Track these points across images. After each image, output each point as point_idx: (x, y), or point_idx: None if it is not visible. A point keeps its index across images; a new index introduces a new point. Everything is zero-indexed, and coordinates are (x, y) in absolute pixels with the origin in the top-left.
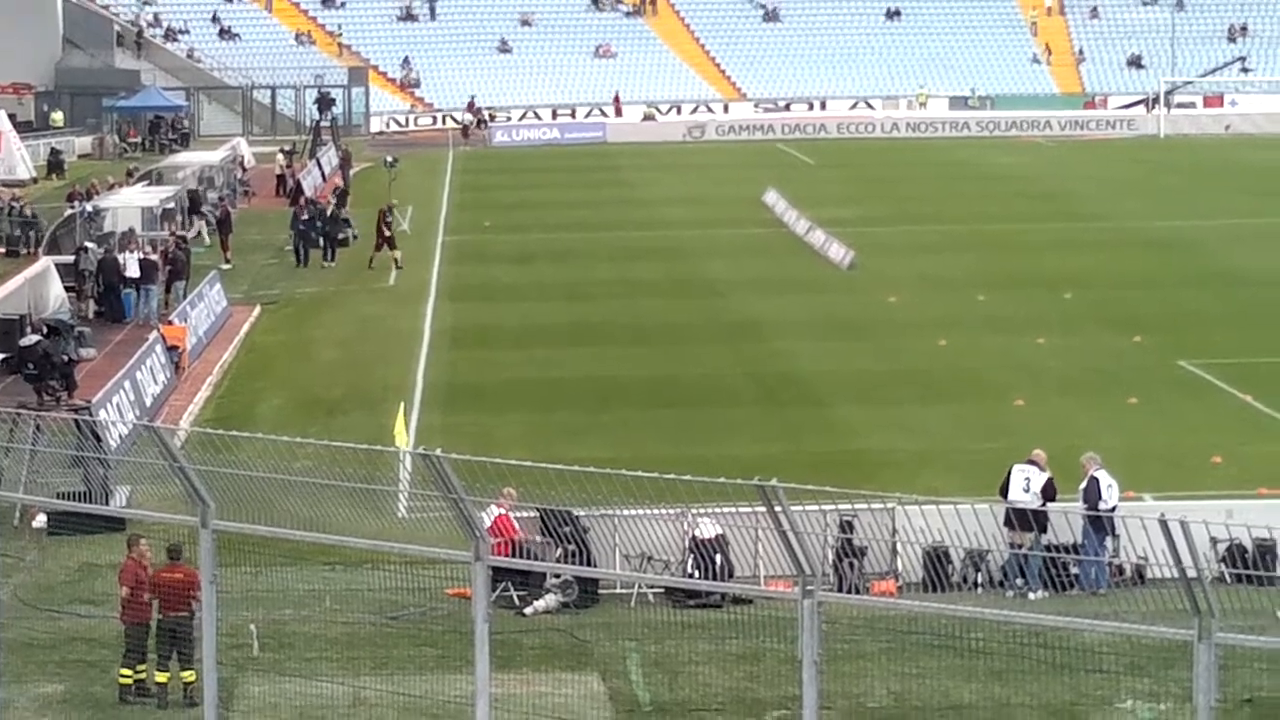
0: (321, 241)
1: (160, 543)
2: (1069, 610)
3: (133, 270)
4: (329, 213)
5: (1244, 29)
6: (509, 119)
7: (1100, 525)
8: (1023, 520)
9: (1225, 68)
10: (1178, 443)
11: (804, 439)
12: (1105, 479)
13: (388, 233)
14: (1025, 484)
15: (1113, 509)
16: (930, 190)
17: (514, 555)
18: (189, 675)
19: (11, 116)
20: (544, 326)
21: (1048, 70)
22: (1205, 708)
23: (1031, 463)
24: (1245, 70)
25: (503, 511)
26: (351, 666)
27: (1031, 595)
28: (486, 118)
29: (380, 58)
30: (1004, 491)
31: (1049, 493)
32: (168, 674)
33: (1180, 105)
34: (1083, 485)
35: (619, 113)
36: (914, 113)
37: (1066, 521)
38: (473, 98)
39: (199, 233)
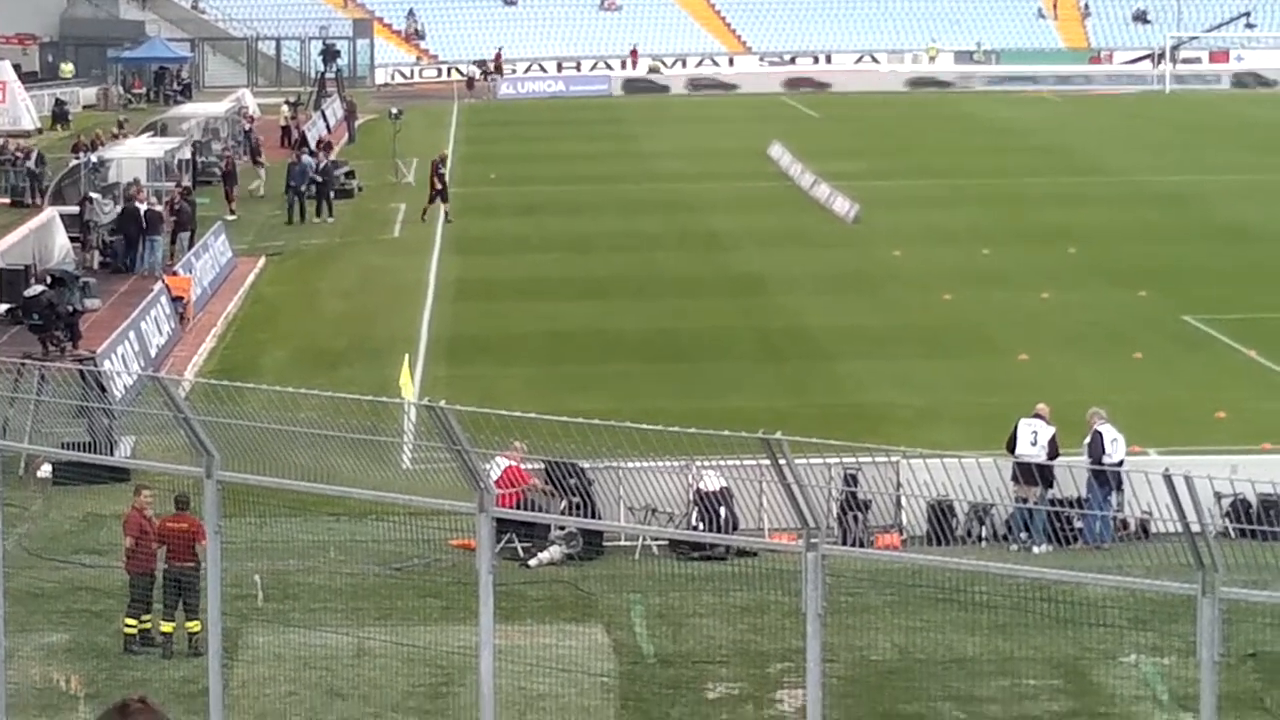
0: (316, 195)
1: (165, 493)
2: (1073, 564)
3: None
4: (321, 165)
5: None
6: (514, 71)
7: (1105, 480)
8: (1029, 474)
9: (1230, 23)
10: (1182, 398)
11: (809, 393)
12: (1110, 433)
13: (439, 185)
14: (1033, 437)
15: (1118, 463)
16: (936, 144)
17: (519, 507)
18: (194, 625)
19: (16, 67)
20: (549, 279)
21: (1053, 25)
22: (1209, 662)
23: (1038, 416)
24: (1250, 26)
25: (513, 463)
26: (356, 617)
27: (1036, 549)
28: (499, 69)
29: (385, 9)
30: (1011, 446)
31: (1054, 447)
32: (173, 624)
33: (1186, 60)
34: (1087, 440)
35: (635, 65)
36: (920, 66)
37: (1071, 476)
38: (499, 49)
39: (258, 186)
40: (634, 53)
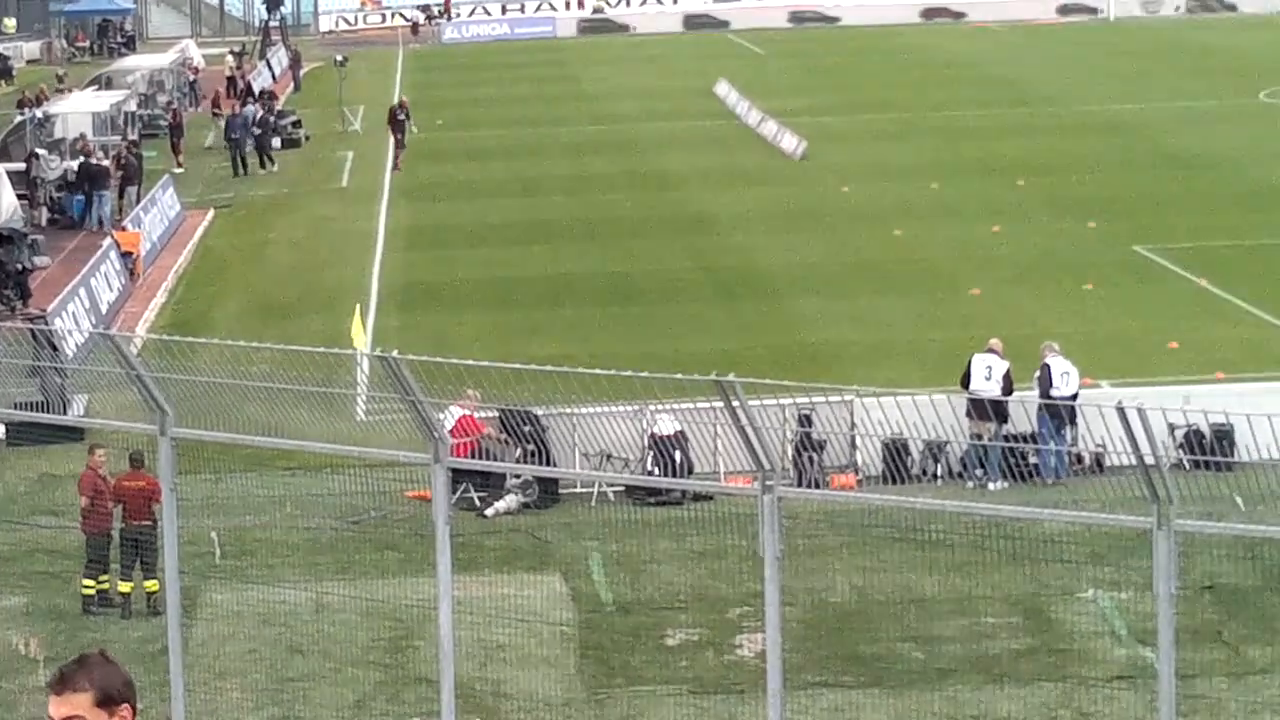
0: (255, 146)
1: (120, 451)
2: (1029, 500)
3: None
4: (258, 116)
5: None
6: (459, 15)
7: (1056, 413)
8: (984, 410)
9: None
10: (1134, 328)
11: (760, 333)
12: (1061, 366)
13: (398, 133)
14: (987, 372)
15: (1071, 396)
16: (881, 78)
17: (475, 456)
18: (152, 585)
19: None
20: (498, 224)
21: None
22: (1165, 595)
23: (991, 351)
24: None
25: (467, 412)
26: (314, 571)
27: (991, 486)
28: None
29: None
30: (965, 382)
31: (1009, 381)
32: (131, 584)
33: None
34: (1036, 373)
35: (581, 5)
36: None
37: (1025, 411)
38: None
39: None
40: None
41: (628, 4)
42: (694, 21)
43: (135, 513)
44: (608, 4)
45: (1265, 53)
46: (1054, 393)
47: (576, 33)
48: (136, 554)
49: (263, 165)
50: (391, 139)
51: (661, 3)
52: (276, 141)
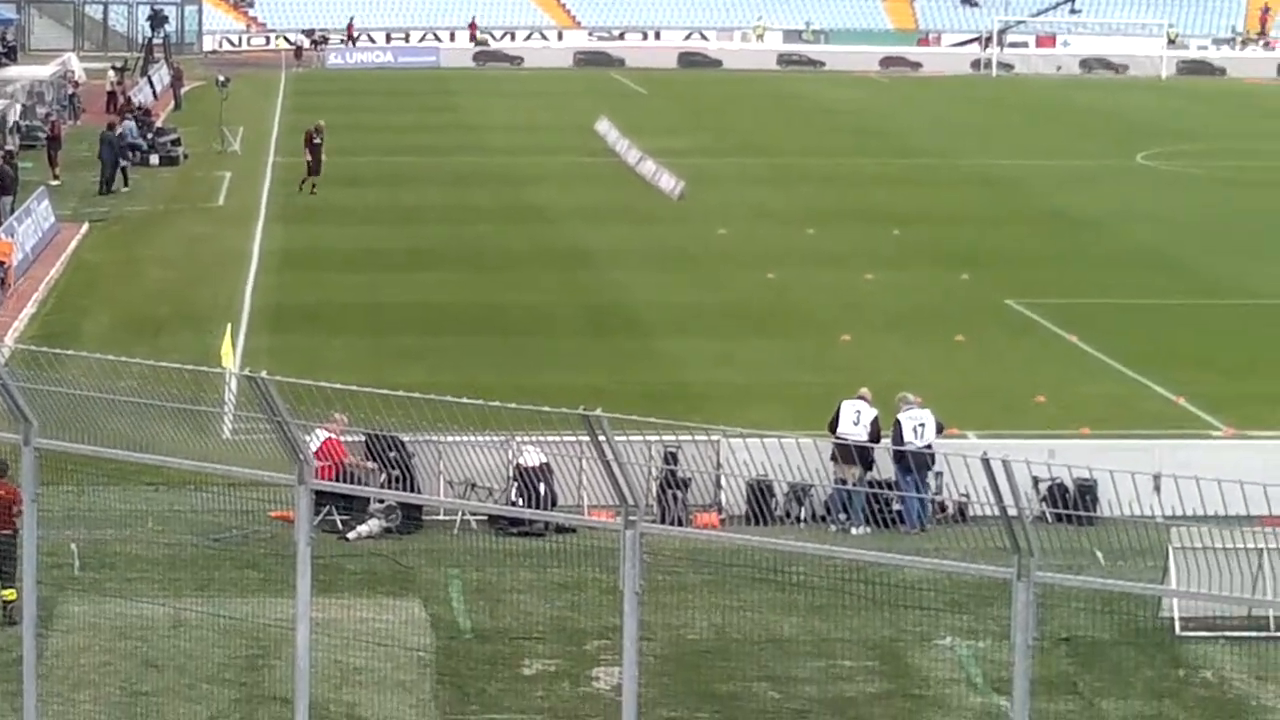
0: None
1: None
2: (891, 546)
3: None
4: (114, 133)
5: None
6: (343, 42)
7: (907, 465)
8: (849, 455)
9: (1054, 8)
10: (1003, 381)
11: (631, 370)
12: (914, 419)
13: (310, 156)
14: (856, 417)
15: (927, 447)
16: (763, 123)
17: (339, 479)
18: (9, 593)
19: None
20: (374, 250)
21: (881, 5)
22: (1023, 645)
23: (861, 398)
24: (1074, 11)
25: (331, 435)
26: (173, 587)
27: (854, 530)
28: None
29: None
30: (833, 426)
31: (876, 428)
32: None
33: (1013, 45)
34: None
35: (474, 39)
36: (749, 45)
37: (890, 458)
38: (351, 19)
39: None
40: (473, 24)
41: (512, 38)
42: (584, 58)
43: None
44: (492, 36)
45: (1146, 115)
46: (907, 447)
47: (471, 62)
48: None
49: (123, 184)
50: (305, 161)
51: (546, 38)
52: (154, 158)
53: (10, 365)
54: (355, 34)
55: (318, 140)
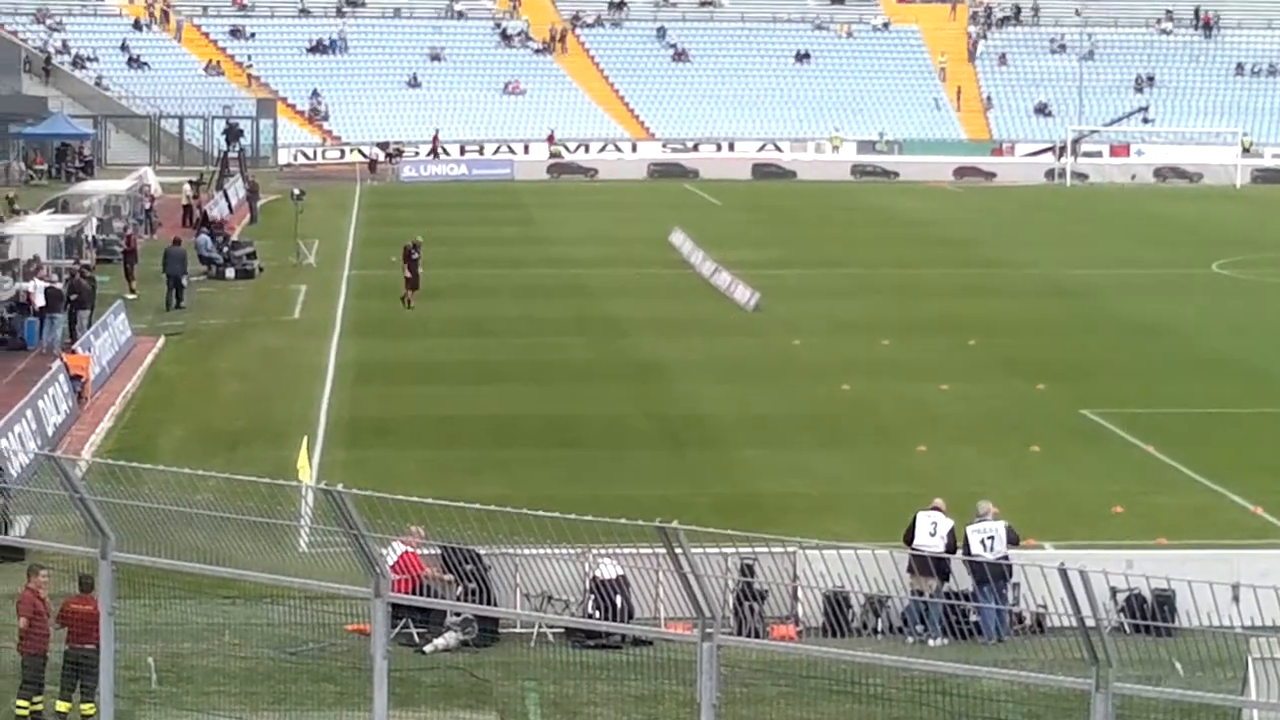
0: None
1: (60, 573)
2: (968, 658)
3: (39, 299)
4: (179, 248)
5: (1150, 79)
6: (417, 154)
7: (983, 576)
8: (926, 566)
9: (1128, 117)
10: (1079, 491)
11: (706, 481)
12: (981, 533)
13: (409, 273)
14: (932, 528)
15: (1003, 557)
16: (837, 234)
17: (415, 593)
18: (88, 708)
19: None
20: (447, 363)
21: (955, 116)
22: None
23: (936, 509)
24: (1146, 120)
25: (408, 548)
26: (250, 701)
27: (931, 642)
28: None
29: (289, 90)
30: (909, 538)
31: (952, 539)
32: (69, 704)
33: (1087, 154)
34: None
35: (551, 153)
36: (823, 155)
37: (968, 569)
38: (436, 132)
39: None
40: (550, 137)
41: (586, 150)
42: (658, 170)
43: (80, 635)
44: (566, 148)
45: (1220, 224)
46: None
47: (545, 174)
48: (77, 676)
49: (177, 303)
50: (404, 276)
51: (620, 150)
52: (230, 272)
53: (88, 479)
54: (439, 146)
55: (415, 255)
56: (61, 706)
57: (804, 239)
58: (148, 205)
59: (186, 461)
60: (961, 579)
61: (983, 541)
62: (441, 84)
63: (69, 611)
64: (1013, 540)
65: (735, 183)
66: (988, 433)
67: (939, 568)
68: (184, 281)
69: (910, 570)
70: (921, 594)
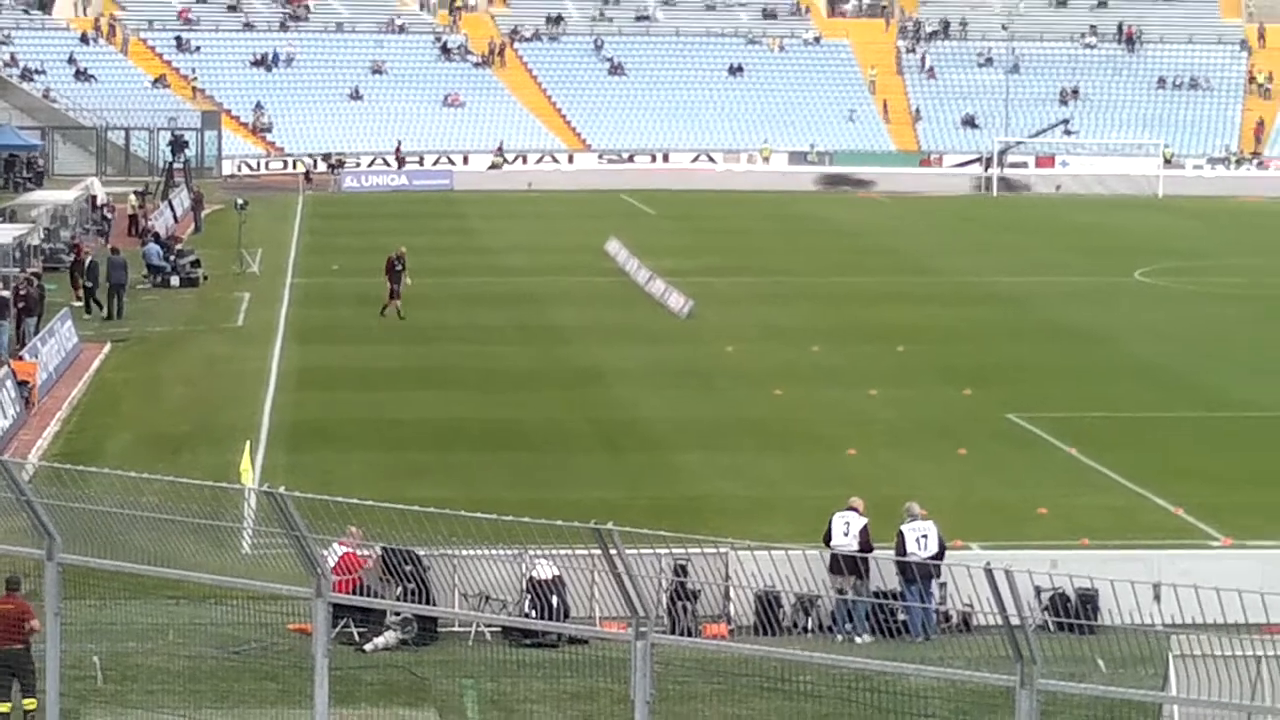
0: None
1: (2, 575)
2: (895, 655)
3: None
4: (118, 257)
5: (1075, 92)
6: (358, 165)
7: (911, 575)
8: (839, 565)
9: (1050, 129)
10: (1005, 493)
11: (643, 484)
12: (917, 531)
13: (393, 283)
14: (845, 528)
15: (933, 555)
16: (769, 243)
17: (355, 593)
18: (30, 703)
19: None
20: (389, 369)
21: (884, 127)
22: None
23: (851, 509)
24: (1068, 132)
25: (349, 549)
26: (194, 699)
27: (859, 640)
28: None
29: (233, 102)
30: (827, 539)
31: (865, 537)
32: (9, 704)
33: (1013, 165)
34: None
35: (494, 165)
36: (755, 166)
37: (883, 569)
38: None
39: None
40: (499, 149)
41: (524, 160)
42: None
43: (7, 635)
44: (505, 160)
45: (1143, 233)
46: (910, 558)
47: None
48: (11, 675)
49: (115, 314)
50: (387, 288)
51: (557, 161)
52: (175, 280)
53: (34, 482)
54: (401, 156)
55: (399, 267)
56: (2, 708)
57: (735, 248)
58: (106, 215)
59: (132, 465)
60: (889, 578)
61: (918, 540)
62: (383, 96)
63: None
64: (941, 546)
65: (668, 192)
66: (916, 436)
67: (851, 565)
68: (123, 294)
69: (830, 570)
70: (843, 592)
